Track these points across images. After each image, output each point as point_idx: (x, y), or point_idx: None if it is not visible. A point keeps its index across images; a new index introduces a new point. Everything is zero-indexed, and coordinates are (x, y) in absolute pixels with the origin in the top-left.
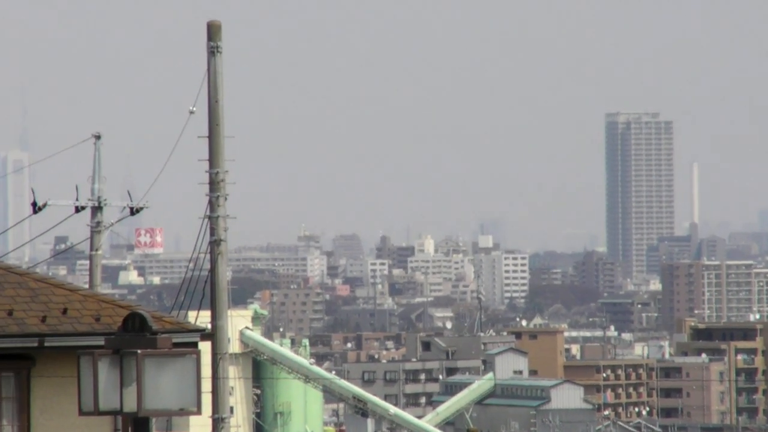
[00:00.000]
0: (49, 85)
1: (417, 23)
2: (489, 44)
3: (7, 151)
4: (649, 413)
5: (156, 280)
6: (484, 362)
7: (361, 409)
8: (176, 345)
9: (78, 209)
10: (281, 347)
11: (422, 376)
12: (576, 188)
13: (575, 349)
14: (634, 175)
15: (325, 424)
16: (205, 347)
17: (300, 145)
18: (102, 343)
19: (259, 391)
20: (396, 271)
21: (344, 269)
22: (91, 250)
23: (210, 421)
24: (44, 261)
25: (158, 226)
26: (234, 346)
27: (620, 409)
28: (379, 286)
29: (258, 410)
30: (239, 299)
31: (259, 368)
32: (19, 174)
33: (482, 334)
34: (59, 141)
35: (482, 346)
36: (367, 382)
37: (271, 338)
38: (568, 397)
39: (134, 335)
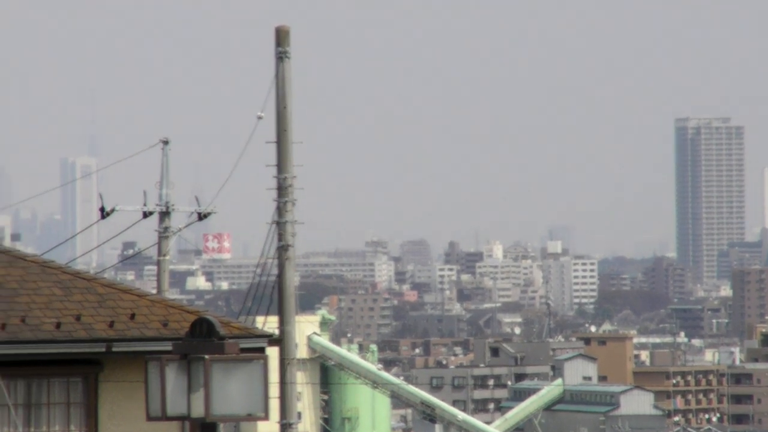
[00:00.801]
0: (117, 91)
1: (483, 27)
2: (557, 48)
3: (75, 156)
4: (720, 420)
5: (224, 285)
6: (553, 368)
7: (429, 415)
8: (244, 350)
9: (146, 214)
10: (349, 353)
11: (491, 382)
12: (646, 194)
13: (645, 355)
14: (704, 180)
15: (393, 429)
16: (272, 353)
17: (368, 151)
18: (170, 348)
19: (326, 397)
20: (464, 277)
21: (412, 275)
22: (159, 255)
23: (278, 426)
24: (112, 266)
25: (226, 231)
26: (302, 352)
27: (690, 416)
28: (447, 292)
29: (326, 416)
30: (307, 305)
31: (327, 374)
32: (88, 179)
33: (551, 340)
34: (127, 146)
35: (551, 352)
36: (435, 388)
37: (338, 344)
38: (637, 403)
39: (202, 341)
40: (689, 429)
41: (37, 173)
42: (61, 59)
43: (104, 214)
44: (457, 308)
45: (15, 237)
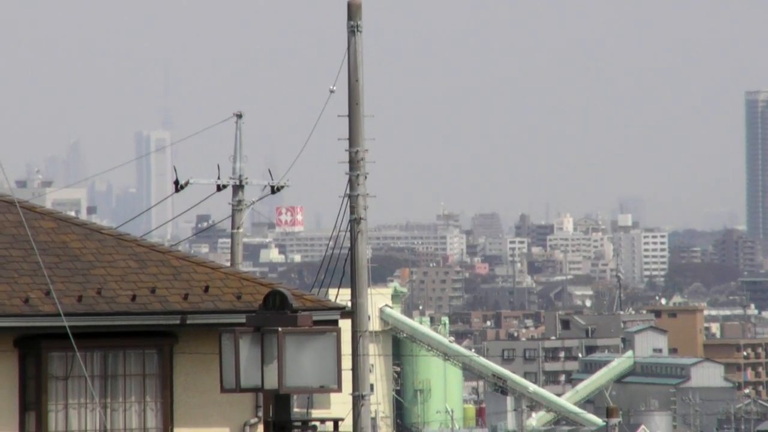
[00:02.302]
0: (191, 65)
1: (563, 3)
2: (627, 21)
3: (150, 130)
4: None
5: (297, 258)
6: (624, 340)
7: (501, 387)
8: (317, 323)
9: (219, 188)
10: (421, 325)
11: (561, 354)
12: (716, 167)
13: (715, 327)
14: None
15: (465, 401)
16: (345, 325)
17: (439, 124)
18: (243, 320)
19: (398, 369)
20: (535, 250)
21: (483, 248)
22: (233, 228)
23: (350, 398)
24: (186, 239)
25: (299, 204)
26: (374, 324)
27: (761, 388)
28: (518, 265)
29: (398, 387)
30: (379, 277)
31: (399, 346)
32: (162, 153)
33: (621, 313)
34: (201, 120)
35: (621, 325)
36: (506, 360)
37: (410, 316)
38: (707, 375)
39: (275, 313)
40: (759, 401)
41: (112, 147)
42: (137, 33)
43: (178, 187)
44: (528, 281)
45: (91, 210)
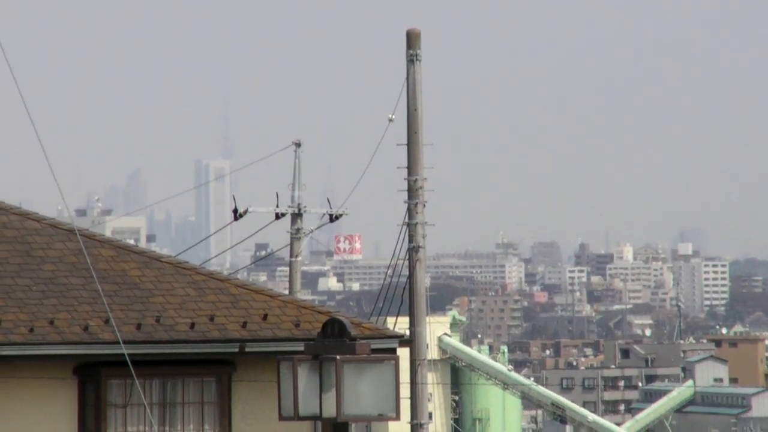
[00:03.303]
0: (250, 94)
1: (626, 25)
2: (685, 55)
3: (209, 159)
4: None
5: (355, 286)
6: (684, 370)
7: (560, 416)
8: (375, 351)
9: (278, 216)
10: (479, 354)
11: (621, 383)
12: None
13: None
14: None
15: (524, 430)
16: (403, 353)
17: (498, 153)
18: (302, 348)
19: (457, 398)
20: (594, 278)
21: (542, 276)
22: (291, 256)
23: (409, 427)
24: (245, 267)
25: (357, 232)
26: (432, 353)
27: None
28: (578, 293)
29: (456, 416)
30: (438, 306)
31: (458, 374)
32: (221, 181)
33: (682, 342)
34: (260, 148)
35: (681, 354)
36: (565, 389)
37: (469, 345)
38: None
39: (333, 341)
40: None
41: (171, 176)
42: (195, 62)
43: (237, 215)
44: (587, 309)
45: (150, 238)
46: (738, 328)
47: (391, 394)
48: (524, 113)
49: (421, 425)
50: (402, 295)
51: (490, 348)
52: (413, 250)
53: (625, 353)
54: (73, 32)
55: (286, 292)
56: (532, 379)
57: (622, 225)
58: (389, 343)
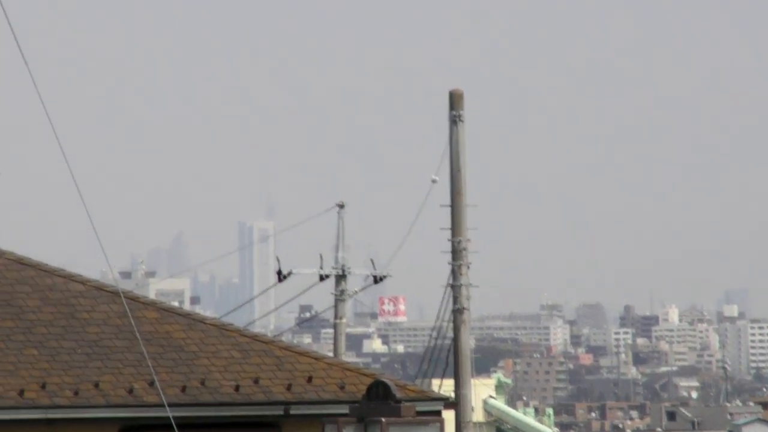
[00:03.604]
0: (293, 155)
1: (660, 98)
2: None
3: (252, 220)
4: None
5: (399, 348)
6: None
7: None
8: (420, 413)
9: (322, 278)
10: (525, 416)
11: None
12: None
13: None
14: None
15: None
16: (449, 416)
17: (541, 214)
18: (347, 411)
19: None
20: (640, 340)
21: (587, 338)
22: (335, 318)
23: None
24: (289, 329)
25: (401, 294)
26: (478, 415)
27: None
28: (623, 355)
29: None
30: (482, 368)
31: None
32: (265, 243)
33: (728, 404)
34: (304, 210)
35: (728, 417)
36: None
37: (514, 407)
38: None
39: (378, 403)
40: None
41: (215, 237)
42: (239, 123)
43: (281, 277)
44: (632, 372)
45: (194, 300)
46: None
47: None
48: (566, 173)
49: None
50: (447, 358)
51: (536, 410)
52: (457, 312)
53: (672, 416)
54: (113, 107)
55: (331, 354)
56: None
57: (667, 285)
58: (434, 406)
